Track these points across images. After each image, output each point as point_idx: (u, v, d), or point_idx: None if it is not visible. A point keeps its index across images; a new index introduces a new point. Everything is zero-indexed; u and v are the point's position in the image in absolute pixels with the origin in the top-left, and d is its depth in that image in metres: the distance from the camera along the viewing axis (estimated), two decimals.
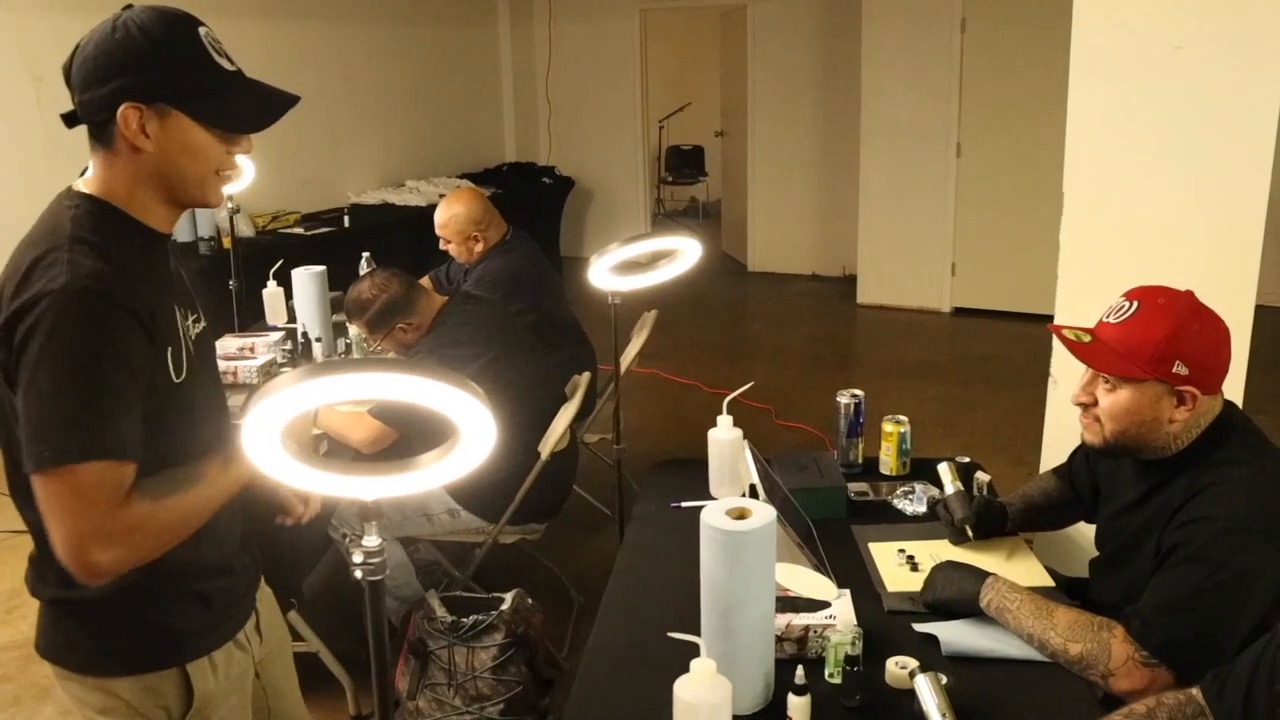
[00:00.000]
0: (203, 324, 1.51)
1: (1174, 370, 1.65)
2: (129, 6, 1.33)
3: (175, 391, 1.35)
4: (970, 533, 2.03)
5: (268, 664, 1.68)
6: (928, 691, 1.48)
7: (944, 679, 1.51)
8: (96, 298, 1.23)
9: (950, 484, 2.07)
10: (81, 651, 1.43)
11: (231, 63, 1.35)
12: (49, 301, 1.20)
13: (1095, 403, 1.75)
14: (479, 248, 3.70)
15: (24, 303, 1.21)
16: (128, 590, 1.35)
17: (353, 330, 3.27)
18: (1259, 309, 2.39)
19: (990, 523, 2.06)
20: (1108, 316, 1.74)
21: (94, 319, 1.22)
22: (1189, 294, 1.71)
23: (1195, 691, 1.41)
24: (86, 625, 1.42)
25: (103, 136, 1.32)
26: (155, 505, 1.26)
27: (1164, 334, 1.65)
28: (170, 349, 1.34)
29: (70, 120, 1.35)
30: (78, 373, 1.21)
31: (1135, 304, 1.71)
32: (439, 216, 3.72)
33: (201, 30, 1.32)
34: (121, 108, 1.27)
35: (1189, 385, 1.66)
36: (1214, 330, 1.69)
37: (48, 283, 1.21)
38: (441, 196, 4.17)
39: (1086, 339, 1.74)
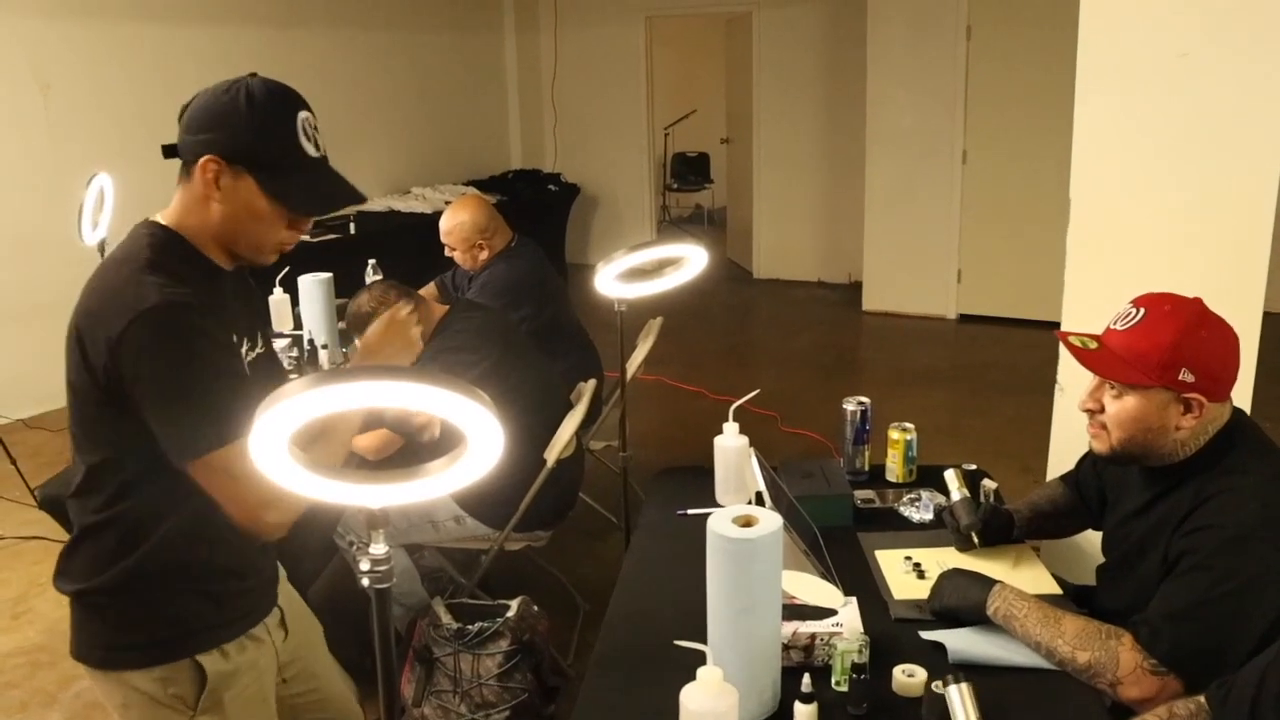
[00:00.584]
0: (260, 349, 1.62)
1: (1180, 377, 1.65)
2: (253, 75, 1.46)
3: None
4: (976, 540, 2.02)
5: (302, 653, 1.77)
6: (959, 702, 1.46)
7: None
8: (184, 310, 1.37)
9: (956, 491, 2.07)
10: (101, 648, 1.53)
11: (319, 149, 1.48)
12: (145, 319, 1.35)
13: (1102, 409, 1.74)
14: (484, 255, 3.70)
15: (125, 324, 1.34)
16: (140, 586, 1.49)
17: (357, 343, 3.28)
18: (1267, 316, 2.38)
19: (997, 530, 2.05)
20: (1115, 323, 1.74)
21: (188, 326, 1.38)
22: (1197, 301, 1.70)
23: (1202, 699, 1.40)
24: (104, 621, 1.52)
25: (187, 174, 1.46)
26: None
27: (1170, 341, 1.65)
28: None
29: (168, 151, 1.48)
30: (189, 375, 1.37)
31: (1142, 311, 1.70)
32: (444, 224, 3.72)
33: (301, 115, 1.45)
34: (204, 158, 1.42)
35: (1195, 393, 1.65)
36: (1221, 337, 1.69)
37: (138, 302, 1.35)
38: (447, 203, 4.18)
39: (1093, 346, 1.74)
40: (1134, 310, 1.72)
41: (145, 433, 1.39)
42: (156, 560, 1.49)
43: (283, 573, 1.81)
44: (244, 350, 1.55)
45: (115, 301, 1.37)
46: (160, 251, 1.44)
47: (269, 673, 1.67)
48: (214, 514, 1.43)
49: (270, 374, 1.64)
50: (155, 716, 1.53)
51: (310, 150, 1.45)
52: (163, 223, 1.48)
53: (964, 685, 1.47)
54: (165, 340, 1.36)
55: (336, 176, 1.50)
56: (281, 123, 1.43)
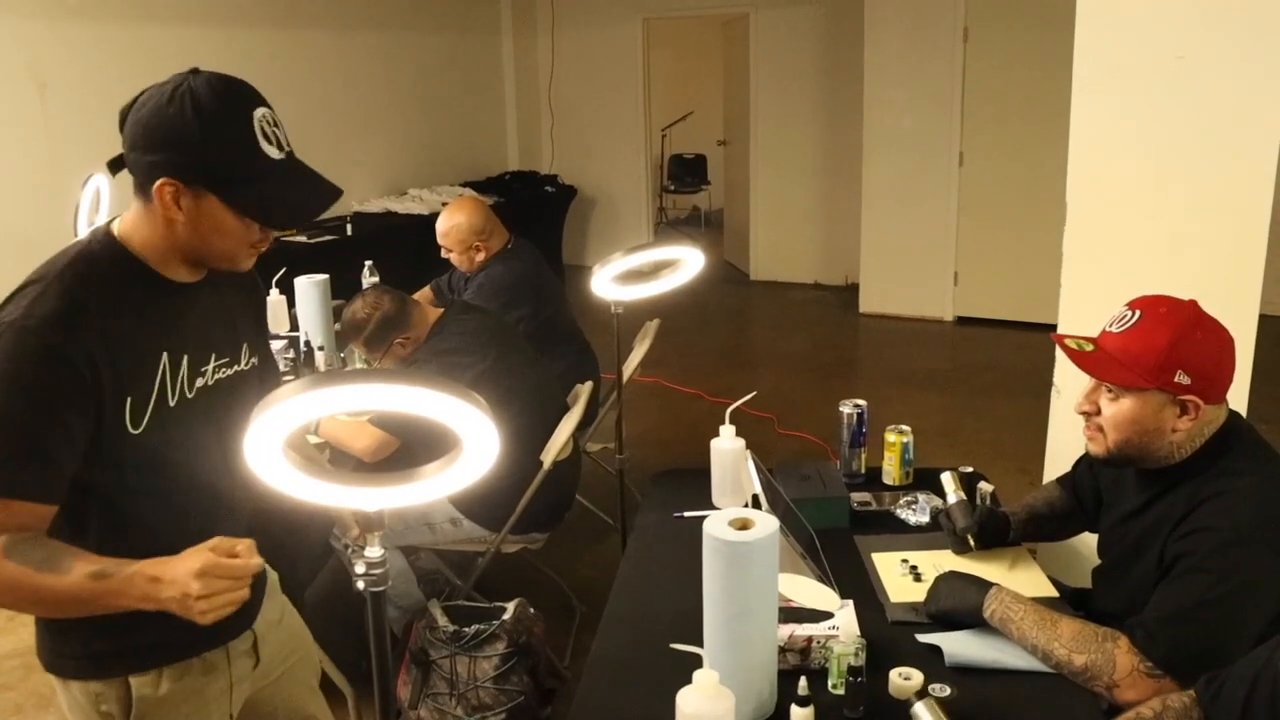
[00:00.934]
0: (241, 365, 1.54)
1: (1176, 380, 1.65)
2: (194, 71, 1.32)
3: (133, 442, 1.36)
4: (973, 542, 2.02)
5: (270, 691, 1.66)
6: (927, 715, 1.47)
7: (946, 690, 1.51)
8: (34, 342, 1.27)
9: (953, 493, 2.07)
10: (47, 651, 1.49)
11: (282, 147, 1.35)
12: (9, 332, 1.27)
13: (1098, 412, 1.74)
14: (480, 257, 3.70)
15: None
16: None
17: (356, 353, 3.28)
18: (1263, 318, 2.38)
19: (993, 532, 2.05)
20: (1110, 326, 1.74)
21: (25, 361, 1.26)
22: (1192, 303, 1.71)
23: (1194, 694, 1.40)
24: (49, 626, 1.48)
25: (143, 192, 1.35)
26: (8, 568, 1.25)
27: (1165, 343, 1.65)
28: (132, 398, 1.35)
29: (115, 166, 1.38)
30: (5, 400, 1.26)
31: (1138, 313, 1.71)
32: (440, 225, 3.72)
33: (258, 114, 1.32)
34: (159, 181, 1.30)
35: (1191, 395, 1.65)
36: (1217, 340, 1.69)
37: (10, 312, 1.29)
38: (444, 205, 4.18)
39: (1089, 348, 1.74)
40: (1129, 313, 1.72)
41: None
42: None
43: (281, 602, 1.71)
44: (208, 369, 1.47)
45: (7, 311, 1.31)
46: (85, 264, 1.36)
47: (217, 705, 1.55)
48: (149, 525, 1.37)
49: (243, 393, 1.54)
50: None
51: (273, 153, 1.33)
52: (113, 232, 1.39)
53: (928, 700, 1.48)
54: (6, 356, 1.27)
55: (306, 176, 1.37)
56: (237, 129, 1.30)
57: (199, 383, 1.45)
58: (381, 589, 1.18)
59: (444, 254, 3.76)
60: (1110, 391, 1.72)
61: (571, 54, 8.78)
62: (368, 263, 4.08)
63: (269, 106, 1.35)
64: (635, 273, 2.49)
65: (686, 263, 2.53)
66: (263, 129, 1.32)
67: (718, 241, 9.44)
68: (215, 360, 1.48)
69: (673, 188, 11.22)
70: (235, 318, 1.56)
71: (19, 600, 1.32)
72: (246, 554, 1.25)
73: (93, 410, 1.31)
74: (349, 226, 6.29)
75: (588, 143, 8.90)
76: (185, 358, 1.43)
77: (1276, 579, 1.58)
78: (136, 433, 1.36)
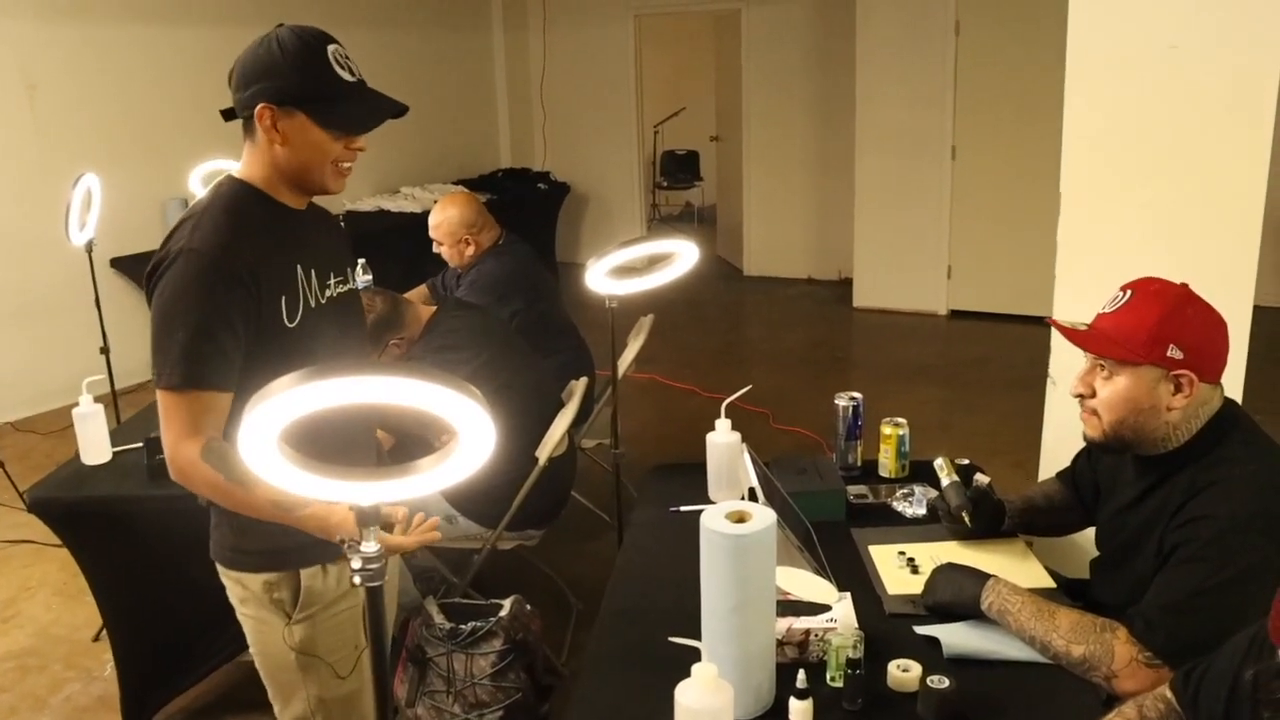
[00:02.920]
0: (348, 285, 1.82)
1: (1169, 354, 1.65)
2: (280, 25, 1.61)
3: (288, 335, 1.63)
4: (968, 520, 2.02)
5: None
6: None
7: (945, 681, 1.50)
8: (205, 261, 1.54)
9: (945, 476, 2.07)
10: (225, 548, 1.76)
11: (354, 74, 1.63)
12: (174, 258, 1.55)
13: (1093, 394, 1.74)
14: (470, 251, 3.69)
15: (164, 254, 1.57)
16: None
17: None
18: (1257, 309, 2.38)
19: (988, 513, 2.05)
20: (1104, 308, 1.75)
21: (199, 277, 1.53)
22: (1183, 285, 1.72)
23: (1169, 695, 1.40)
24: (228, 526, 1.74)
25: (249, 130, 1.63)
26: (207, 467, 1.50)
27: (1157, 318, 1.66)
28: (285, 297, 1.63)
29: (228, 115, 1.66)
30: (177, 318, 1.53)
31: (1129, 293, 1.72)
32: (432, 219, 3.73)
33: (331, 48, 1.60)
34: (259, 107, 1.58)
35: (1185, 369, 1.66)
36: (1208, 317, 1.70)
37: (178, 242, 1.57)
38: (440, 198, 4.17)
39: (1083, 328, 1.75)
40: (1121, 294, 1.73)
41: None
42: None
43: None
44: (328, 282, 1.74)
45: (168, 243, 1.58)
46: (221, 200, 1.63)
47: (358, 599, 1.78)
48: None
49: (354, 310, 1.85)
50: (261, 615, 1.76)
51: (346, 77, 1.60)
52: (235, 175, 1.66)
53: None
54: (181, 275, 1.53)
55: (376, 94, 1.65)
56: (316, 60, 1.57)
57: (328, 292, 1.74)
58: (378, 584, 1.17)
59: (435, 248, 3.76)
60: (1104, 371, 1.72)
61: (563, 51, 8.77)
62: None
63: (340, 44, 1.63)
64: (629, 267, 2.49)
65: (680, 256, 2.52)
66: (336, 59, 1.60)
67: (711, 237, 9.44)
68: (334, 276, 1.76)
69: (665, 184, 11.22)
70: (335, 243, 1.84)
71: (215, 496, 1.61)
72: (400, 529, 1.59)
73: (254, 311, 1.58)
74: (342, 225, 6.28)
75: (580, 139, 8.89)
76: (313, 270, 1.70)
77: (1274, 567, 1.58)
78: (291, 326, 1.63)
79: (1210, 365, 1.69)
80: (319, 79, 1.58)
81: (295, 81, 1.57)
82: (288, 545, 1.69)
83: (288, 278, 1.65)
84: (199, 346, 1.53)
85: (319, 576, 1.75)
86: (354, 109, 1.63)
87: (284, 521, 1.57)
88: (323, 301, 1.72)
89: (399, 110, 1.66)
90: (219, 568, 1.79)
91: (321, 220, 1.82)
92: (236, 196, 1.65)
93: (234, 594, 1.79)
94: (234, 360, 1.57)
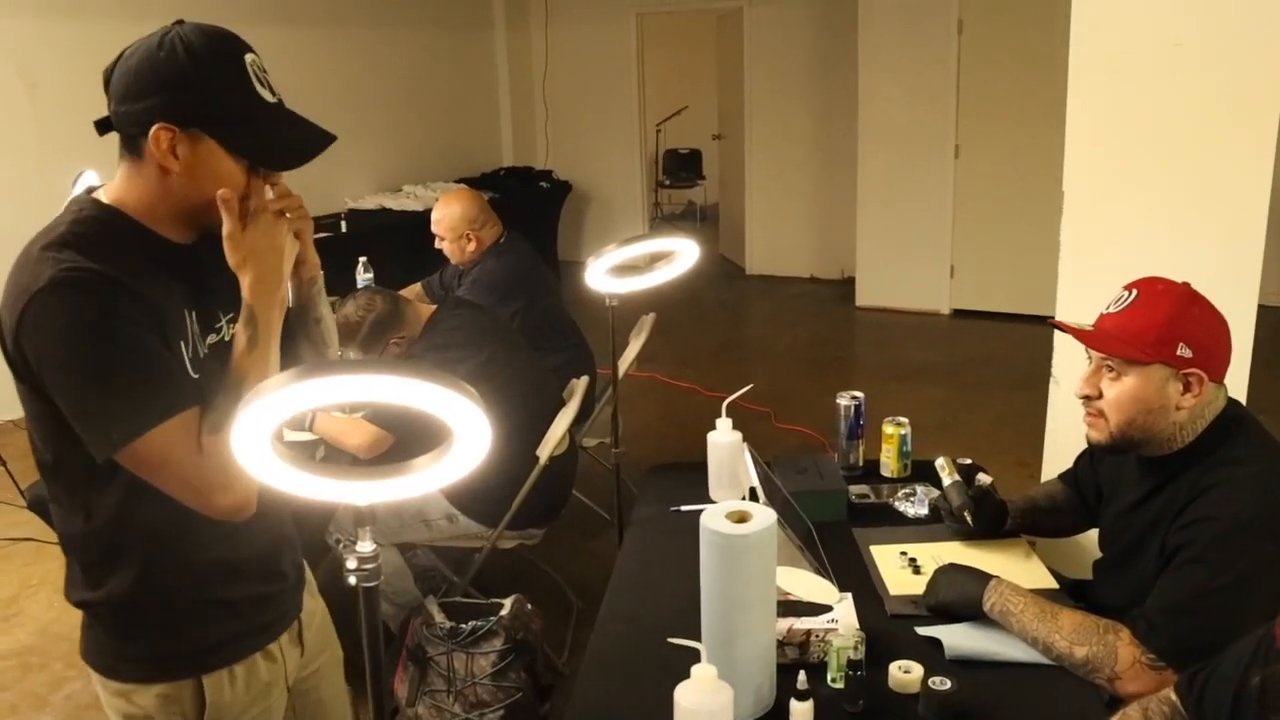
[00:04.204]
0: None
1: (1178, 353, 1.64)
2: (180, 22, 1.30)
3: (194, 386, 1.33)
4: (970, 520, 2.01)
5: (313, 681, 1.66)
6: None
7: (947, 683, 1.50)
8: (89, 279, 1.21)
9: (947, 476, 2.06)
10: (107, 655, 1.43)
11: (273, 94, 1.33)
12: (39, 300, 1.20)
13: (1099, 395, 1.73)
14: (472, 247, 3.69)
15: (21, 308, 1.21)
16: (149, 597, 1.38)
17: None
18: (1262, 309, 2.37)
19: (990, 513, 2.04)
20: (1108, 308, 1.73)
21: (90, 299, 1.21)
22: (1186, 283, 1.71)
23: (1174, 697, 1.39)
24: (109, 629, 1.42)
25: (132, 148, 1.31)
26: (221, 433, 1.22)
27: (1165, 316, 1.65)
28: (182, 343, 1.33)
29: (103, 127, 1.34)
30: (93, 357, 1.21)
31: (1134, 292, 1.71)
32: (435, 213, 3.73)
33: (248, 58, 1.30)
34: (155, 127, 1.25)
35: (1194, 368, 1.65)
36: (1214, 315, 1.69)
37: (33, 281, 1.20)
38: (443, 195, 4.17)
39: (1088, 329, 1.74)
40: (1126, 293, 1.72)
41: None
42: (154, 566, 1.37)
43: (310, 579, 1.69)
44: (222, 324, 1.43)
45: (14, 285, 1.23)
46: (84, 226, 1.28)
47: (278, 696, 1.54)
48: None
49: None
50: None
51: (266, 96, 1.30)
52: (103, 200, 1.33)
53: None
54: (61, 320, 1.20)
55: (298, 121, 1.34)
56: (231, 71, 1.27)
57: (210, 339, 1.41)
58: (373, 584, 1.16)
59: (437, 243, 3.76)
60: (1111, 371, 1.71)
61: (565, 49, 8.76)
62: (362, 259, 4.06)
63: (256, 54, 1.32)
64: (630, 266, 2.48)
65: (682, 254, 2.51)
66: (255, 73, 1.30)
67: (713, 236, 9.43)
68: (225, 317, 1.44)
69: (668, 183, 11.22)
70: (232, 278, 1.45)
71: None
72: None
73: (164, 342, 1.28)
74: (344, 223, 6.27)
75: (582, 138, 8.88)
76: (193, 314, 1.38)
77: (1278, 568, 1.57)
78: (196, 377, 1.33)
79: (1217, 364, 1.68)
80: (234, 95, 1.28)
81: (204, 97, 1.26)
82: (186, 647, 1.41)
83: (179, 321, 1.34)
84: (145, 372, 1.24)
85: (225, 686, 1.43)
86: (273, 135, 1.32)
87: (267, 323, 1.30)
88: (203, 353, 1.38)
89: (327, 139, 1.35)
90: (96, 679, 1.45)
91: (216, 248, 1.35)
92: (99, 223, 1.30)
93: (116, 711, 1.44)
94: (183, 372, 1.30)
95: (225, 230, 1.29)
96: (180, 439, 1.24)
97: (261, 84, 1.30)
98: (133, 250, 1.30)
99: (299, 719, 1.64)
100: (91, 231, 1.28)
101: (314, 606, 1.68)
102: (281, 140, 1.33)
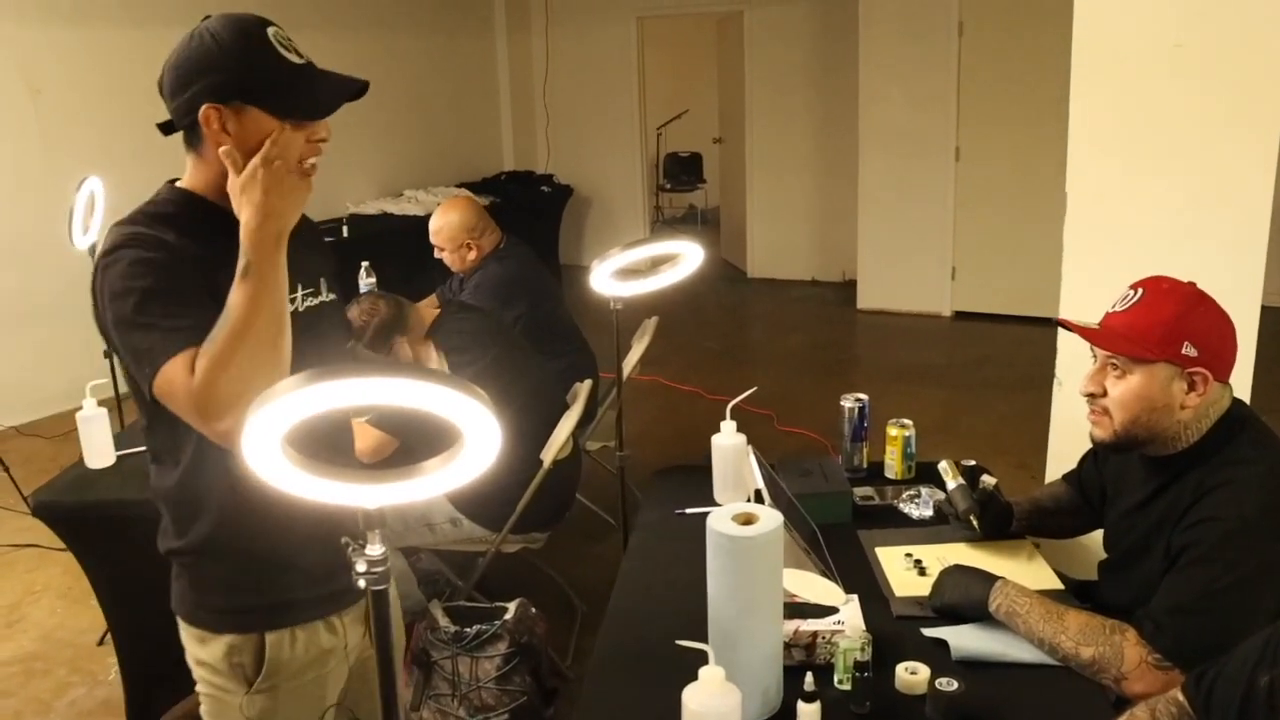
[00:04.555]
0: (319, 299, 1.60)
1: (1184, 351, 1.64)
2: (206, 17, 1.42)
3: None
4: (975, 523, 2.01)
5: (374, 664, 1.69)
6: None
7: (954, 684, 1.50)
8: (142, 240, 1.36)
9: (951, 480, 2.06)
10: (188, 602, 1.57)
11: (301, 56, 1.43)
12: (103, 264, 1.37)
13: (1104, 393, 1.73)
14: (472, 255, 3.69)
15: (93, 277, 1.39)
16: (223, 548, 1.51)
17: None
18: (1265, 310, 2.37)
19: (995, 516, 2.04)
20: (1114, 306, 1.74)
21: (139, 256, 1.35)
22: (1193, 283, 1.71)
23: (1181, 698, 1.39)
24: (190, 578, 1.55)
25: (193, 140, 1.44)
26: (210, 353, 1.30)
27: (1172, 315, 1.66)
28: None
29: (166, 129, 1.47)
30: (136, 300, 1.33)
31: (1140, 291, 1.71)
32: (433, 224, 3.71)
33: (270, 30, 1.41)
34: (202, 109, 1.37)
35: (1199, 367, 1.65)
36: (1219, 314, 1.70)
37: (102, 253, 1.38)
38: (442, 203, 4.17)
39: (1094, 328, 1.74)
40: (1132, 292, 1.73)
41: None
42: (228, 519, 1.48)
43: (401, 563, 1.74)
44: (297, 295, 1.53)
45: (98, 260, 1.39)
46: (153, 206, 1.44)
47: (336, 667, 1.63)
48: None
49: (329, 324, 1.62)
50: (217, 681, 1.55)
51: (294, 59, 1.41)
52: (177, 185, 1.48)
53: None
54: (116, 278, 1.35)
55: (329, 74, 1.44)
56: (256, 44, 1.39)
57: (304, 307, 1.53)
58: (383, 587, 1.16)
59: (436, 253, 3.75)
60: (1117, 370, 1.71)
61: (566, 53, 8.77)
62: (364, 264, 4.06)
63: (279, 26, 1.43)
64: (633, 269, 2.48)
65: (685, 257, 2.51)
66: (279, 42, 1.41)
67: (714, 240, 9.43)
68: (301, 289, 1.54)
69: (669, 186, 11.21)
70: (306, 253, 1.56)
71: (249, 338, 1.32)
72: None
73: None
74: (345, 228, 6.28)
75: (583, 142, 8.89)
76: (294, 285, 1.47)
77: None
78: None
79: (1222, 363, 1.69)
80: (265, 65, 1.39)
81: (238, 73, 1.37)
82: (250, 604, 1.54)
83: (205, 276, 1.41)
84: (173, 308, 1.34)
85: (286, 643, 1.55)
86: (309, 90, 1.42)
87: (263, 271, 1.34)
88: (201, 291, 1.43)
89: (359, 87, 1.44)
90: (179, 623, 1.60)
91: (299, 230, 1.48)
92: (171, 204, 1.44)
93: (191, 654, 1.59)
94: (195, 311, 1.36)
95: (228, 183, 1.38)
96: (183, 371, 1.32)
97: (287, 49, 1.41)
98: (198, 224, 1.42)
99: (358, 696, 1.71)
100: (158, 209, 1.43)
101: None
102: (314, 92, 1.42)
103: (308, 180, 1.42)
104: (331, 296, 1.65)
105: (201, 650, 1.56)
